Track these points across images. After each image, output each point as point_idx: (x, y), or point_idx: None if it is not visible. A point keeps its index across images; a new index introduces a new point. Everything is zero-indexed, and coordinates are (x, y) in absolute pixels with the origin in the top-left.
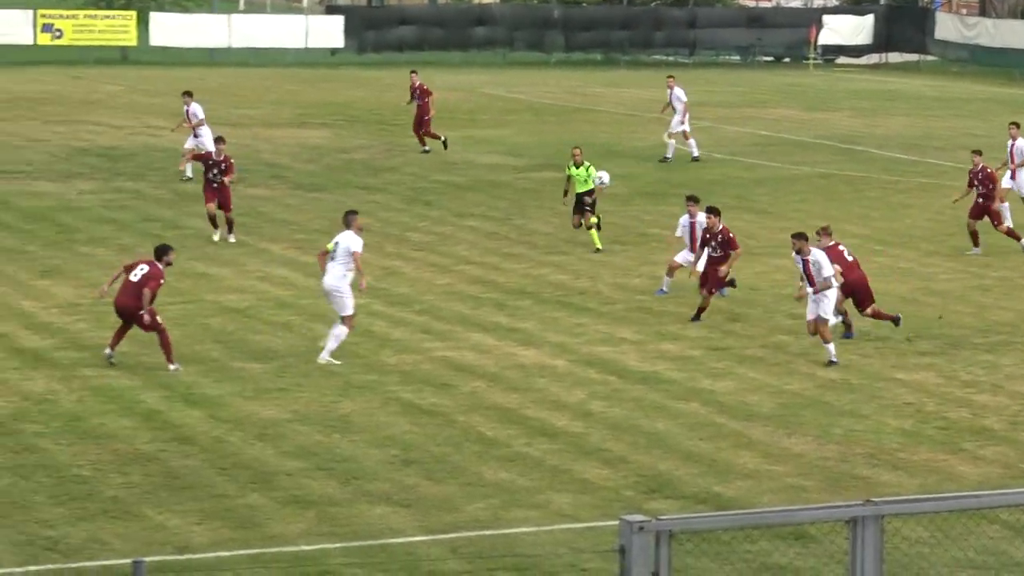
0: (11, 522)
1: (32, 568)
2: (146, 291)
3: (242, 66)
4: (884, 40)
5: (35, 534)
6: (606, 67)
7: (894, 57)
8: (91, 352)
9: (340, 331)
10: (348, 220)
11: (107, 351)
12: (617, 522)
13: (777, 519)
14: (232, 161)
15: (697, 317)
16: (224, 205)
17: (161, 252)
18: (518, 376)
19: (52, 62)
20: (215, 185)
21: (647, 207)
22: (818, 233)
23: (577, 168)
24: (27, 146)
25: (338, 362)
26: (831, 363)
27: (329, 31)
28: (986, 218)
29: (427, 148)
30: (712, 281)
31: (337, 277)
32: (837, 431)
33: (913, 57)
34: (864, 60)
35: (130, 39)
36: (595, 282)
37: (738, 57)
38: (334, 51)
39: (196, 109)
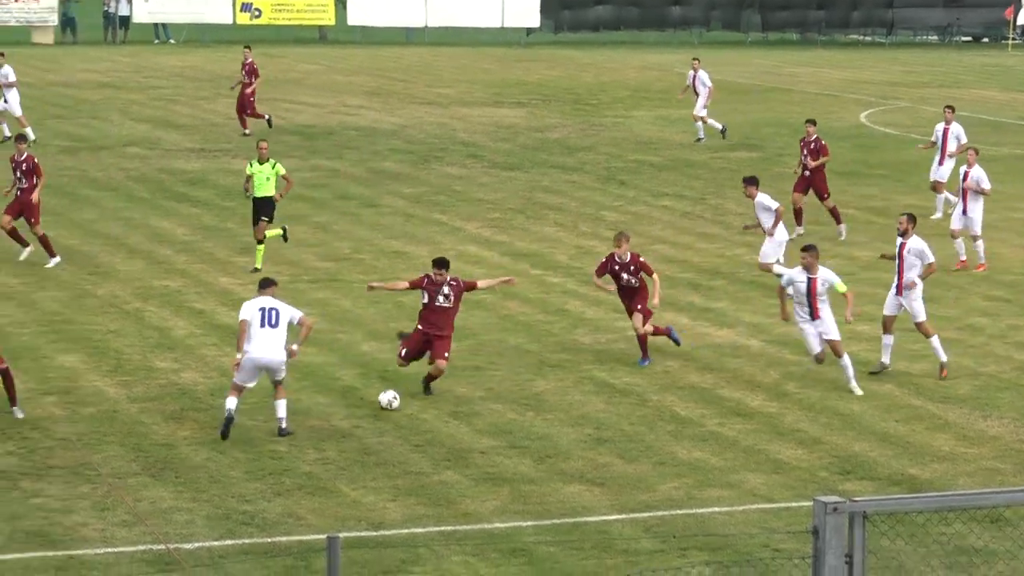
0: (208, 496)
1: (229, 542)
2: None
3: (438, 45)
4: None
5: (232, 508)
6: (802, 47)
7: None
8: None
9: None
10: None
11: None
12: (811, 503)
13: (972, 502)
14: (37, 163)
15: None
16: (28, 216)
17: None
18: (712, 356)
19: (250, 41)
20: (18, 192)
21: (842, 186)
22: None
23: (260, 164)
24: (226, 124)
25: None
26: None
27: (525, 10)
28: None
29: (248, 131)
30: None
31: None
32: None
33: None
34: None
35: (328, 19)
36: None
37: (936, 37)
38: (529, 31)
39: (7, 71)
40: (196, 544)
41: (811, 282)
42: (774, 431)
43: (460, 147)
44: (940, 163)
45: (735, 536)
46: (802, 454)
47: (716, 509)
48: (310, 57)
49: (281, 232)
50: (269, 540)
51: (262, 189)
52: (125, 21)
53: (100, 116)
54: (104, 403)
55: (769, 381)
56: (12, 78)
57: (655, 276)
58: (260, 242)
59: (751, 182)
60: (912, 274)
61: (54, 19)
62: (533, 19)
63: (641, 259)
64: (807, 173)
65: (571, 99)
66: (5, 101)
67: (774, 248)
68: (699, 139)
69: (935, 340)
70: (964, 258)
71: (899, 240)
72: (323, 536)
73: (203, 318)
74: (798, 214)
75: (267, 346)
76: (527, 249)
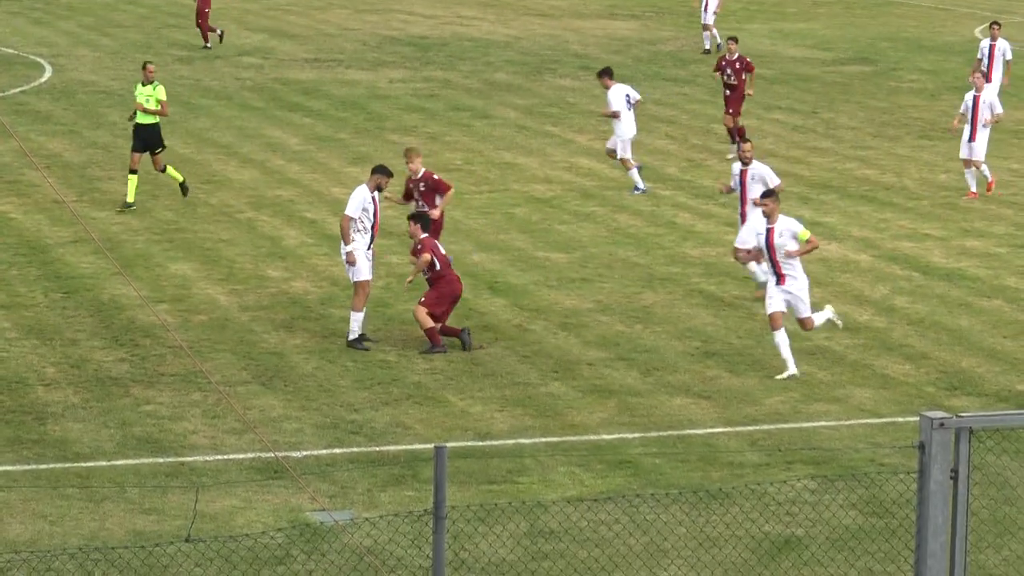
0: (317, 405)
1: (337, 450)
2: None
3: None
4: None
5: (340, 417)
6: None
7: None
8: (398, 239)
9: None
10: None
11: None
12: (917, 418)
13: None
14: None
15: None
16: None
17: None
18: (821, 270)
19: None
20: None
21: (955, 101)
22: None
23: (144, 86)
24: (340, 35)
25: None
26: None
27: None
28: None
29: (208, 44)
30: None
31: None
32: None
33: None
34: None
35: None
36: (901, 177)
37: None
38: None
39: None
40: (304, 452)
41: (769, 232)
42: (882, 346)
43: (573, 59)
44: (987, 80)
45: (841, 450)
46: (909, 369)
47: (822, 423)
48: None
49: (181, 182)
50: (376, 449)
51: (146, 115)
52: None
53: (215, 26)
54: (215, 311)
55: (878, 296)
56: None
57: (450, 192)
58: (133, 172)
59: (605, 73)
60: (756, 193)
61: None
62: None
63: (436, 176)
64: (728, 93)
65: (684, 12)
66: None
67: (620, 141)
68: (706, 50)
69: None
70: (974, 189)
71: (740, 167)
72: (430, 446)
73: (315, 228)
74: (740, 133)
75: None
76: (638, 161)
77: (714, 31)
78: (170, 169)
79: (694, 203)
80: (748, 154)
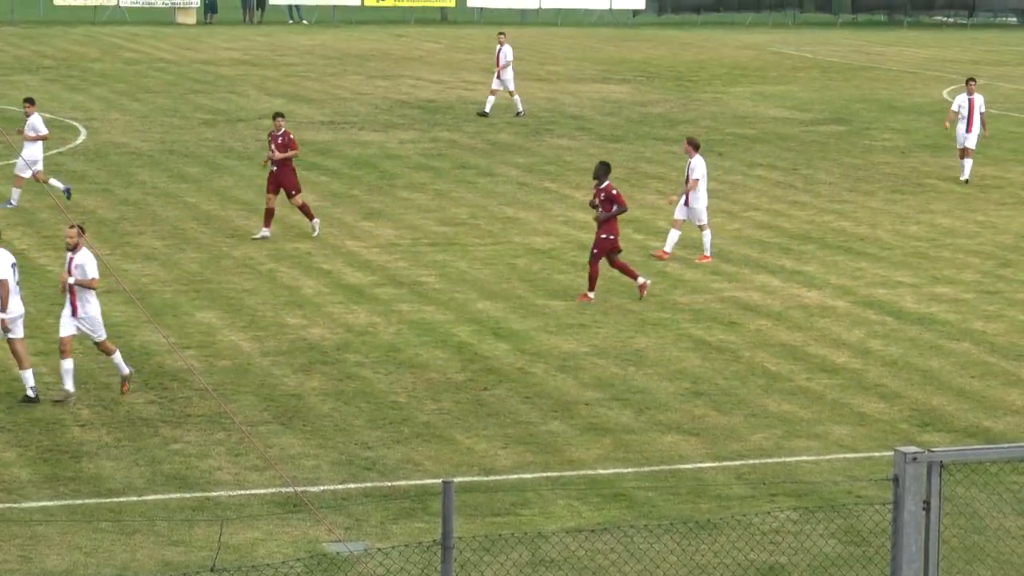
0: (333, 443)
1: (352, 486)
2: None
3: (550, 26)
4: None
5: (355, 455)
6: (889, 28)
7: None
8: (408, 288)
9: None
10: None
11: None
12: (892, 453)
13: None
14: None
15: None
16: None
17: None
18: (801, 316)
19: (377, 22)
20: None
21: (925, 158)
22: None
23: None
24: (353, 99)
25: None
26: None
27: None
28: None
29: None
30: None
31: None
32: None
33: None
34: None
35: (449, 1)
36: (875, 229)
37: (1015, 19)
38: (635, 12)
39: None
40: (321, 487)
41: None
42: (858, 386)
43: (569, 120)
44: (968, 131)
45: (821, 483)
46: (884, 407)
47: (803, 458)
48: (432, 36)
49: None
50: (389, 484)
51: None
52: (262, 3)
53: (237, 91)
54: (239, 356)
55: (854, 339)
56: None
57: None
58: None
59: (29, 101)
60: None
61: (197, 2)
62: (639, 1)
63: None
64: (275, 168)
65: (673, 76)
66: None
67: (27, 161)
68: (519, 112)
69: (117, 356)
70: (667, 249)
71: (69, 255)
72: (439, 480)
73: (330, 278)
74: (268, 215)
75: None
76: (631, 215)
77: (516, 98)
78: None
79: (682, 253)
80: (71, 240)
